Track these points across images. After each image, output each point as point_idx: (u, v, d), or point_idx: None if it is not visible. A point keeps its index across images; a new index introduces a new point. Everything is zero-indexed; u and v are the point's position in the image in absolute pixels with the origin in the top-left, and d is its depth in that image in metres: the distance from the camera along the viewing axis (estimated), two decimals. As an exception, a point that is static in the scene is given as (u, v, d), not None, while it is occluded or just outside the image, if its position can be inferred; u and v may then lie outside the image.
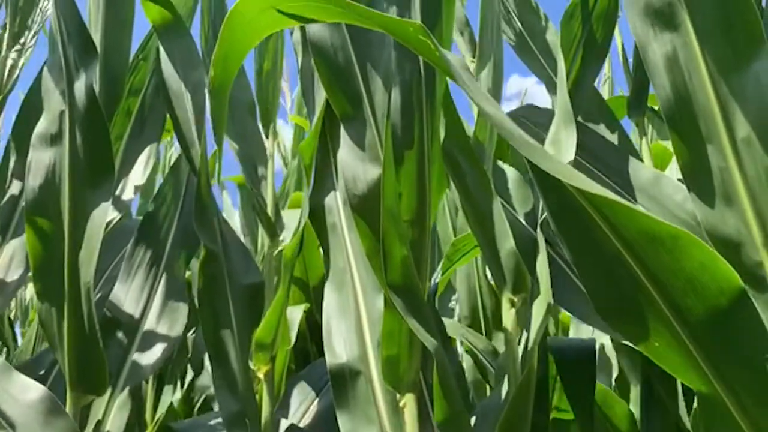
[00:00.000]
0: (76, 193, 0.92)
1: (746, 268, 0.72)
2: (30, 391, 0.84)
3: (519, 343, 0.85)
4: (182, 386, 2.07)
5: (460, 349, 1.63)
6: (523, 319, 0.84)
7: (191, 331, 1.99)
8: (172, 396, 1.77)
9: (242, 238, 1.80)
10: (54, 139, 0.95)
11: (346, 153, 0.85)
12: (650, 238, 0.57)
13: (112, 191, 0.96)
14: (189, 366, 2.00)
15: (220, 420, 1.12)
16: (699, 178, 0.74)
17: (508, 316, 0.83)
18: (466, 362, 1.63)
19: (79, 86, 0.94)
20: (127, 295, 1.08)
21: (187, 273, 1.25)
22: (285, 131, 2.61)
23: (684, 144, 0.75)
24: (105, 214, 0.91)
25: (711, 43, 0.74)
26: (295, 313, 1.47)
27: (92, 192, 0.91)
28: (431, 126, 0.87)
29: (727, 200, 0.73)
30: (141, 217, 1.34)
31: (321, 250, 1.16)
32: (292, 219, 1.40)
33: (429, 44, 0.57)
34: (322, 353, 1.13)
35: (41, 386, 0.84)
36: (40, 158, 0.94)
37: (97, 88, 0.96)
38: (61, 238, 0.90)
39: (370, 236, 0.81)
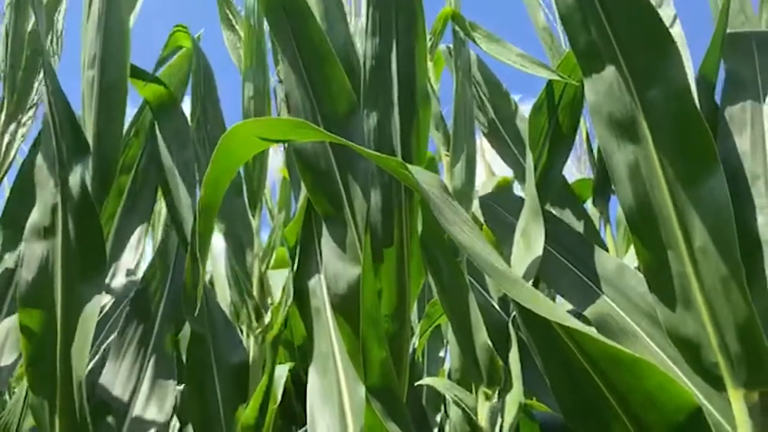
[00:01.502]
0: (68, 286, 0.95)
1: (704, 367, 0.76)
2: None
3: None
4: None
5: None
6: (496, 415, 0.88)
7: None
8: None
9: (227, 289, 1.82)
10: (47, 232, 0.98)
11: (327, 251, 0.89)
12: (612, 359, 0.62)
13: (103, 286, 0.99)
14: None
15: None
16: (660, 282, 0.79)
17: (482, 412, 0.87)
18: (454, 413, 1.66)
19: (72, 181, 0.98)
20: (117, 377, 1.10)
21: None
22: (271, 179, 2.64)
23: (645, 249, 0.80)
24: (97, 306, 0.94)
25: (669, 157, 0.79)
26: (281, 372, 1.50)
27: (84, 285, 0.94)
28: (410, 222, 0.91)
29: (686, 304, 0.78)
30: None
31: (305, 330, 1.19)
32: (278, 279, 1.43)
33: (407, 174, 0.62)
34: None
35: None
36: (32, 251, 0.97)
37: (89, 177, 1.00)
38: (54, 330, 0.93)
39: (350, 335, 0.85)
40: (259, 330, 1.17)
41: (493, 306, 1.01)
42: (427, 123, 0.93)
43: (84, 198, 0.96)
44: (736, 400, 0.73)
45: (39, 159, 1.04)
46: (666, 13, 1.01)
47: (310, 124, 0.67)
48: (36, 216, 0.99)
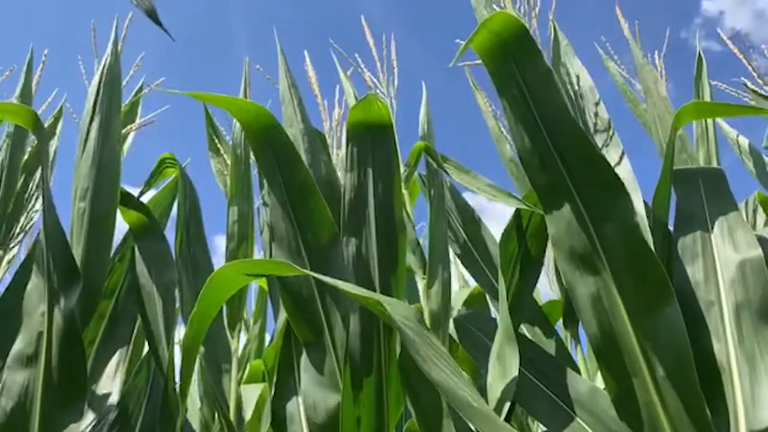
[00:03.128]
0: (46, 415, 0.94)
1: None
2: None
3: None
4: None
5: None
6: None
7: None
8: None
9: (198, 406, 1.79)
10: (30, 360, 0.99)
11: (307, 379, 0.91)
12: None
13: (83, 413, 0.98)
14: None
15: None
16: (628, 410, 0.82)
17: None
18: None
19: (60, 309, 1.00)
20: None
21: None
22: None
23: (612, 377, 0.84)
24: (76, 431, 0.93)
25: (627, 289, 0.85)
26: None
27: (63, 413, 0.94)
28: (389, 348, 0.94)
29: (654, 431, 0.81)
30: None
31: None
32: (251, 393, 1.41)
33: (384, 312, 0.66)
34: None
35: None
36: (14, 379, 0.97)
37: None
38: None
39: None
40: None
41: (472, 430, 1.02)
42: (404, 249, 0.98)
43: (71, 326, 0.98)
44: None
45: (29, 287, 1.06)
46: (613, 154, 1.11)
47: (291, 265, 0.72)
48: (20, 344, 1.00)
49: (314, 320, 0.92)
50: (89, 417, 1.10)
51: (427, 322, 1.07)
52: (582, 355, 1.13)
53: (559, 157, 0.90)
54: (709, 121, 1.38)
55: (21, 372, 0.98)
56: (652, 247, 0.85)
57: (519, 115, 0.93)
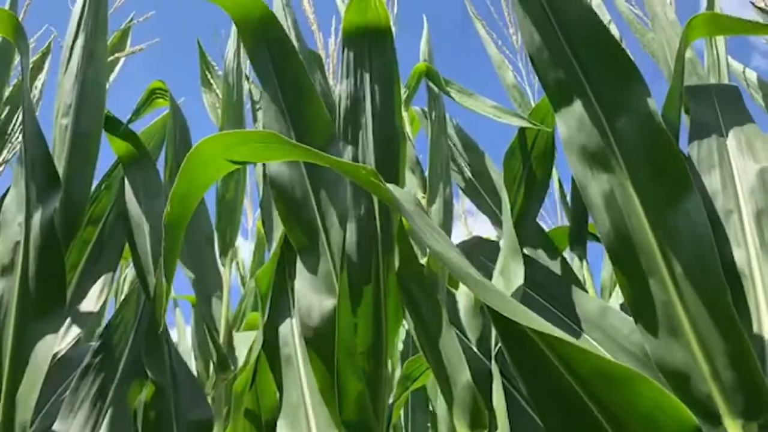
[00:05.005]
0: (22, 324, 0.89)
1: (696, 400, 0.73)
2: None
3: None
4: None
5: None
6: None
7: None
8: None
9: (193, 360, 1.73)
10: (5, 270, 0.93)
11: (301, 283, 0.85)
12: (603, 376, 0.58)
13: (62, 322, 0.93)
14: None
15: None
16: (644, 312, 0.77)
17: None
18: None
19: (38, 218, 0.94)
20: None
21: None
22: (244, 248, 2.60)
23: (626, 279, 0.78)
24: (51, 347, 0.87)
25: (643, 185, 0.79)
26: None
27: (40, 323, 0.89)
28: (387, 259, 0.89)
29: (673, 333, 0.75)
30: (88, 345, 1.29)
31: (274, 380, 1.13)
32: (247, 342, 1.36)
33: (379, 185, 0.60)
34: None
35: None
36: (-13, 289, 0.91)
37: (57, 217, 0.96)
38: (0, 371, 0.86)
39: (323, 370, 0.80)
40: (225, 381, 1.10)
41: (472, 349, 0.97)
42: (404, 159, 0.93)
43: (49, 236, 0.92)
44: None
45: (8, 199, 1.00)
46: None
47: (284, 138, 0.65)
48: (-5, 255, 0.94)
49: (309, 223, 0.87)
50: (71, 334, 1.04)
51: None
52: (591, 281, 1.07)
53: (570, 48, 0.84)
54: (721, 50, 1.32)
55: (-4, 282, 0.92)
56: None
57: (528, 9, 0.87)
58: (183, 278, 1.20)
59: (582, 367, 0.59)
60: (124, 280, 2.05)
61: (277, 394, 1.60)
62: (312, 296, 0.84)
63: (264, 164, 1.32)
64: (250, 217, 2.47)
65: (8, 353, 0.87)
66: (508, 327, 0.61)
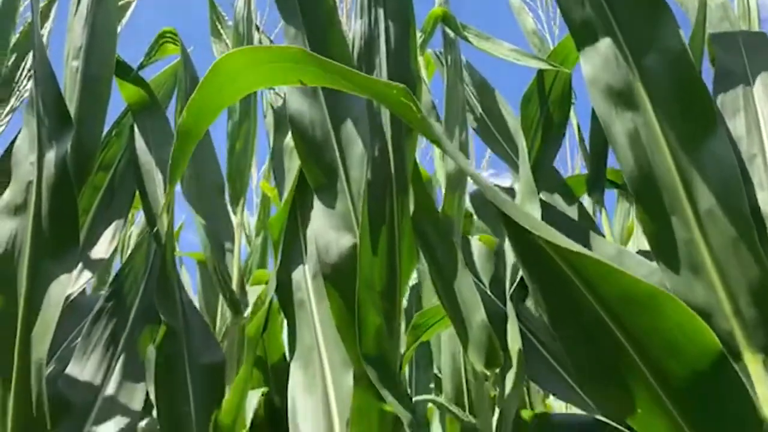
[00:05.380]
0: (36, 264, 0.88)
1: (718, 338, 0.72)
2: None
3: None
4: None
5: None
6: (498, 394, 0.82)
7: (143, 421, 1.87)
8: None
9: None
10: (18, 210, 0.92)
11: (318, 222, 0.84)
12: (627, 298, 0.57)
13: (75, 263, 0.92)
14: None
15: None
16: (666, 249, 0.76)
17: (481, 389, 0.81)
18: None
19: (51, 157, 0.93)
20: (80, 376, 1.01)
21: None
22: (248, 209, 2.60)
23: (649, 216, 0.77)
24: (65, 287, 0.87)
25: (669, 122, 0.78)
26: (253, 398, 1.40)
27: (53, 263, 0.88)
28: (401, 200, 0.88)
29: (695, 270, 0.74)
30: (99, 294, 1.30)
31: (286, 326, 1.13)
32: (255, 296, 1.36)
33: (411, 106, 0.59)
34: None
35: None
36: (1, 228, 0.91)
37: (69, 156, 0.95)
38: (15, 312, 0.85)
39: (341, 306, 0.80)
40: (237, 325, 1.10)
41: (487, 293, 0.96)
42: (419, 99, 0.91)
43: (62, 175, 0.91)
44: (755, 366, 0.69)
45: (19, 140, 0.99)
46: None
47: (316, 56, 0.61)
48: (9, 194, 0.93)
49: (329, 161, 0.85)
50: (83, 278, 1.04)
51: (444, 184, 1.00)
52: (609, 227, 1.06)
53: (597, -18, 0.82)
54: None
55: (8, 221, 0.92)
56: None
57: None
58: (187, 237, 1.19)
59: (605, 288, 0.58)
60: (129, 237, 2.05)
61: (285, 345, 1.62)
62: (330, 234, 0.83)
63: (276, 113, 1.31)
64: (254, 177, 2.46)
65: (23, 293, 0.87)
66: (531, 253, 0.60)
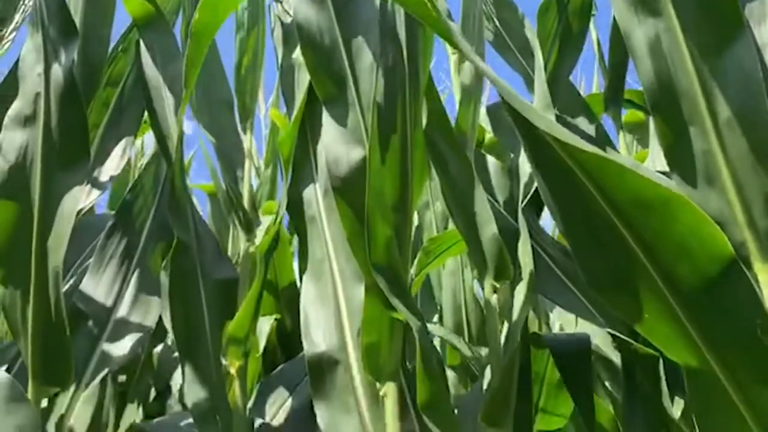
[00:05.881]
0: (48, 175, 0.88)
1: (731, 248, 0.72)
2: (-10, 377, 0.79)
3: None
4: (144, 406, 1.99)
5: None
6: (505, 308, 0.83)
7: (157, 347, 1.93)
8: (135, 415, 1.70)
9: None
10: (27, 121, 0.92)
11: (328, 135, 0.84)
12: (641, 202, 0.57)
13: (87, 177, 0.92)
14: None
15: (189, 420, 1.07)
16: (682, 160, 0.74)
17: (490, 300, 0.82)
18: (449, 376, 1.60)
19: (58, 67, 0.91)
20: (97, 287, 1.03)
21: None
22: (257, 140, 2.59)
23: (667, 127, 0.75)
24: (77, 198, 0.88)
25: (693, 29, 0.75)
26: (264, 324, 1.43)
27: (65, 174, 0.88)
28: (414, 112, 0.86)
29: (710, 181, 0.73)
30: (111, 212, 1.31)
31: (297, 242, 1.14)
32: (266, 224, 1.37)
33: (427, 5, 0.57)
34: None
35: (2, 372, 0.79)
36: (12, 139, 0.91)
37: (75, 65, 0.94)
38: (30, 221, 0.86)
39: (352, 218, 0.80)
40: (250, 243, 1.11)
41: (500, 210, 0.96)
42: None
43: (70, 85, 0.90)
44: (766, 276, 0.68)
45: (24, 51, 0.97)
46: None
47: None
48: (17, 105, 0.93)
49: (338, 71, 0.84)
50: (94, 194, 1.04)
51: (458, 96, 0.98)
52: (624, 140, 1.04)
53: None
54: None
55: (19, 132, 0.91)
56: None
57: None
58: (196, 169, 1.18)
59: (618, 191, 0.57)
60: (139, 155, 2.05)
61: (295, 272, 1.63)
62: (340, 147, 0.82)
63: (284, 28, 1.27)
64: (263, 107, 2.44)
65: (36, 204, 0.88)
66: (544, 156, 0.59)
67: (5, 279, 0.85)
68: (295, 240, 1.93)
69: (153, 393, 1.93)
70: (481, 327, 1.62)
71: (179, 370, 1.89)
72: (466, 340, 1.59)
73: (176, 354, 1.91)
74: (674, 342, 0.60)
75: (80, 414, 0.91)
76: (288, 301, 1.53)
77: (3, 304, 0.85)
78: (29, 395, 0.81)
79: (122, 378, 1.60)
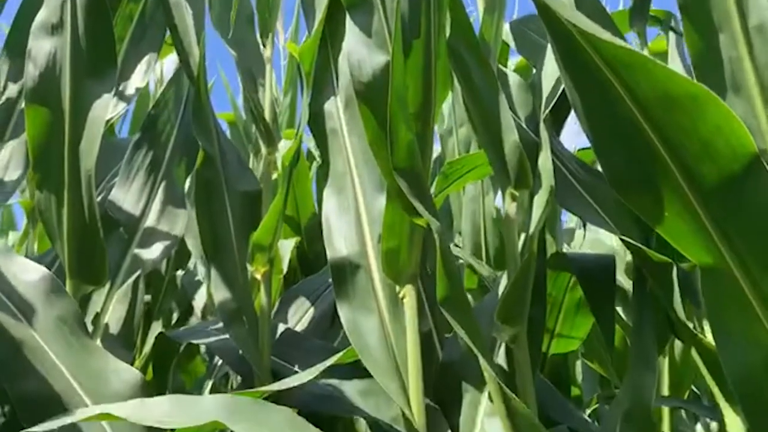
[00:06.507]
0: (77, 82, 0.90)
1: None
2: (30, 271, 0.83)
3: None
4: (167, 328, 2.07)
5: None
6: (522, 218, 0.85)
7: (180, 270, 1.99)
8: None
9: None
10: (54, 29, 0.92)
11: (351, 40, 0.84)
12: (667, 98, 0.57)
13: (114, 85, 0.94)
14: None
15: (215, 326, 1.12)
16: (710, 68, 0.74)
17: (509, 209, 0.83)
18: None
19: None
20: (125, 199, 1.06)
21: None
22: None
23: (696, 33, 0.75)
24: (106, 105, 0.89)
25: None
26: (287, 246, 1.47)
27: (94, 82, 0.90)
28: (438, 20, 0.86)
29: (736, 89, 0.73)
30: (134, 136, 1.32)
31: (318, 156, 1.15)
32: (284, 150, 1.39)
33: None
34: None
35: (42, 267, 0.83)
36: (40, 47, 0.92)
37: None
38: (62, 126, 0.88)
39: (374, 123, 0.80)
40: (271, 155, 1.13)
41: (521, 125, 0.96)
42: None
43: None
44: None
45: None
46: None
47: None
48: (43, 14, 0.93)
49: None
50: (119, 106, 1.06)
51: (482, 7, 0.97)
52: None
53: None
54: None
55: (46, 40, 0.92)
56: None
57: None
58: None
59: (644, 88, 0.57)
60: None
61: (315, 204, 1.66)
62: (362, 51, 0.82)
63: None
64: (281, 36, 2.41)
65: (67, 110, 0.89)
66: (567, 46, 0.59)
67: (40, 183, 0.88)
68: (314, 169, 1.96)
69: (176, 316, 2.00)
70: (499, 251, 1.65)
71: (201, 290, 1.96)
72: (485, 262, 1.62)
73: (198, 277, 1.98)
74: (692, 240, 0.62)
75: (114, 313, 0.95)
76: (309, 232, 1.57)
77: (39, 208, 0.89)
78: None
79: (148, 297, 1.66)
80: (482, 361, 0.66)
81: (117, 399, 0.75)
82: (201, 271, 1.93)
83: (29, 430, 0.66)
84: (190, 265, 1.99)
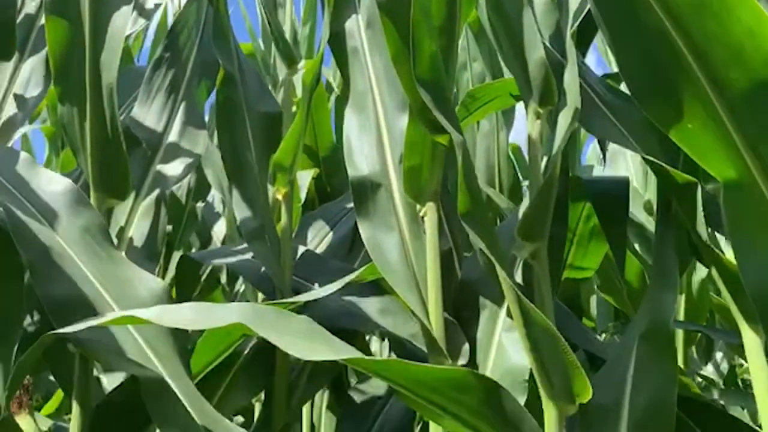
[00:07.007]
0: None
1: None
2: (55, 183, 0.84)
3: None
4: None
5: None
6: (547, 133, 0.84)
7: (200, 201, 2.01)
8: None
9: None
10: (70, -61, 0.91)
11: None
12: (696, 3, 0.55)
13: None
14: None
15: (237, 248, 1.14)
16: None
17: (533, 127, 0.82)
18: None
19: None
20: (146, 117, 1.07)
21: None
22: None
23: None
24: (126, 17, 0.88)
25: None
26: (305, 177, 1.48)
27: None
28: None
29: None
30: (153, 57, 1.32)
31: (339, 75, 1.14)
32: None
33: None
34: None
35: (66, 179, 0.85)
36: (58, -42, 0.90)
37: None
38: (82, 38, 0.88)
39: (396, 38, 0.79)
40: (291, 76, 1.12)
41: (546, 45, 0.94)
42: None
43: None
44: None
45: None
46: None
47: None
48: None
49: None
50: (139, 22, 1.05)
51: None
52: None
53: None
54: None
55: (64, -50, 0.91)
56: None
57: None
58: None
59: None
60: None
61: (333, 135, 1.65)
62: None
63: None
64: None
65: (87, 20, 0.89)
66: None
67: (62, 96, 0.88)
68: (332, 100, 1.95)
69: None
70: (513, 186, 1.65)
71: (221, 222, 1.99)
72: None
73: (217, 210, 2.00)
74: (716, 153, 0.61)
75: (138, 228, 0.97)
76: (327, 164, 1.57)
77: (62, 121, 0.89)
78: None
79: (169, 228, 1.68)
80: (500, 272, 0.67)
81: (143, 306, 0.77)
82: (219, 204, 1.96)
83: (60, 329, 0.68)
84: (209, 198, 2.01)
